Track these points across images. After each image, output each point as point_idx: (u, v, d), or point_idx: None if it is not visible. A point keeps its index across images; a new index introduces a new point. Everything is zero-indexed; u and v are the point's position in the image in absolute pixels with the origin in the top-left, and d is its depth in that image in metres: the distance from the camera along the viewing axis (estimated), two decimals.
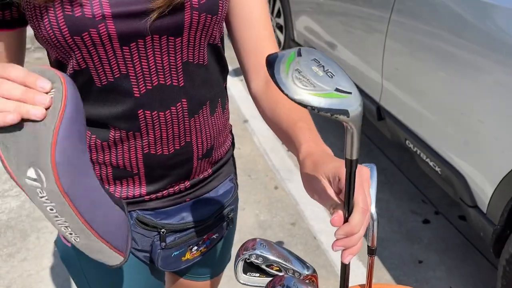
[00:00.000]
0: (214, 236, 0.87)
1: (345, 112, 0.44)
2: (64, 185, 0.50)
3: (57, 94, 0.49)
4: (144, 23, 0.62)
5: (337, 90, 0.44)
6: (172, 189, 0.78)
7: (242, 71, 0.80)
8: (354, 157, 0.49)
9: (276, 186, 2.39)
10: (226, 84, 0.83)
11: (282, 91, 0.43)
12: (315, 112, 0.44)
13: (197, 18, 0.65)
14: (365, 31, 2.20)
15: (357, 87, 1.81)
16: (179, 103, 0.71)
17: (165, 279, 0.98)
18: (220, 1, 0.67)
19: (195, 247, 0.84)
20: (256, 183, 2.41)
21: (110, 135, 0.70)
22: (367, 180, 0.55)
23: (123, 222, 0.63)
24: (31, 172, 0.49)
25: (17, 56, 0.70)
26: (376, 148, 2.67)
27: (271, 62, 0.45)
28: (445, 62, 1.65)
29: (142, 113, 0.69)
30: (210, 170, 0.83)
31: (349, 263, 0.56)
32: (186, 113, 0.72)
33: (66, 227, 0.53)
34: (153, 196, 0.78)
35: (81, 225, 0.54)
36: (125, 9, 0.61)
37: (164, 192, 0.78)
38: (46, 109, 0.49)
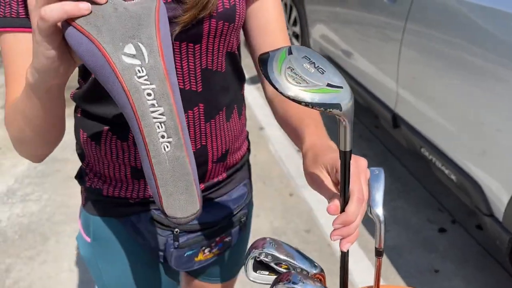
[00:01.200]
0: (227, 239, 0.89)
1: (337, 106, 0.46)
2: (166, 62, 0.45)
3: None
4: None
5: (328, 85, 0.46)
6: None
7: (258, 76, 0.83)
8: (348, 148, 0.51)
9: (291, 193, 2.41)
10: (243, 92, 0.86)
11: (276, 88, 0.45)
12: (310, 107, 0.46)
13: (215, 26, 0.68)
14: (380, 39, 2.21)
15: (372, 94, 1.82)
16: (196, 107, 0.74)
17: (179, 280, 1.00)
18: (237, 10, 0.70)
19: (208, 249, 0.87)
20: (271, 190, 2.43)
21: (129, 136, 0.74)
22: (364, 171, 0.57)
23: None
24: (129, 48, 0.44)
25: None
26: (391, 156, 2.66)
27: (264, 61, 0.47)
28: (461, 70, 1.65)
29: None
30: (225, 174, 0.85)
31: (348, 251, 0.58)
32: (203, 117, 0.75)
33: (160, 123, 0.45)
34: None
35: (175, 122, 0.45)
36: None
37: None
38: None
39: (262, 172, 2.55)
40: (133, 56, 0.44)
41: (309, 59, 0.47)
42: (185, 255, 0.84)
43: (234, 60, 0.78)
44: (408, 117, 2.03)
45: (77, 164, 0.88)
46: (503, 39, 1.45)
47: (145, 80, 0.44)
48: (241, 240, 0.98)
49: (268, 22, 0.77)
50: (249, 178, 0.94)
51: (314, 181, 0.60)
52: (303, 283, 0.53)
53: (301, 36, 3.36)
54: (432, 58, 1.81)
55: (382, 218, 0.69)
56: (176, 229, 0.80)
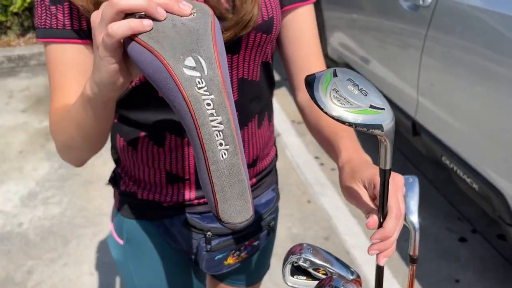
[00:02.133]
0: (256, 243, 0.90)
1: (379, 127, 0.49)
2: (223, 74, 0.47)
3: (201, 8, 0.50)
4: None
5: (371, 106, 0.49)
6: None
7: (290, 85, 0.84)
8: (388, 167, 0.54)
9: (309, 200, 2.41)
10: (272, 98, 0.87)
11: (322, 109, 0.48)
12: (353, 127, 0.49)
13: (253, 37, 0.70)
14: (400, 46, 2.21)
15: (391, 102, 1.83)
16: None
17: (205, 283, 1.02)
18: (274, 21, 0.72)
19: (237, 252, 0.87)
20: (289, 196, 2.43)
21: (166, 142, 0.75)
22: (401, 188, 0.59)
23: None
24: (189, 61, 0.46)
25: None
26: (410, 165, 2.64)
27: (310, 83, 0.50)
28: (482, 78, 1.64)
29: None
30: (255, 180, 0.86)
31: (383, 266, 0.60)
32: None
33: (219, 131, 0.46)
34: (201, 200, 0.82)
35: (232, 131, 0.47)
36: None
37: None
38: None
39: (279, 178, 2.55)
40: (193, 68, 0.46)
41: (353, 81, 0.50)
42: (216, 258, 0.85)
43: (268, 69, 0.80)
44: (429, 124, 2.02)
45: (96, 168, 0.91)
46: None
47: (204, 91, 0.46)
48: (267, 245, 0.99)
49: (302, 34, 0.78)
50: (276, 183, 0.95)
51: (351, 194, 0.61)
52: (345, 287, 0.53)
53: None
54: (453, 65, 1.80)
55: (417, 226, 0.70)
56: (209, 233, 0.82)
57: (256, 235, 0.89)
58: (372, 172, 0.59)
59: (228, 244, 0.85)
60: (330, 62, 3.17)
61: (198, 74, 0.46)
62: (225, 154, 0.46)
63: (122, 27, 0.46)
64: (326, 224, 2.23)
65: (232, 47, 0.70)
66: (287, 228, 2.22)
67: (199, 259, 0.85)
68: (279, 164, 0.98)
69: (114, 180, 0.87)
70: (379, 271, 0.61)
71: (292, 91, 0.85)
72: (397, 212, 0.56)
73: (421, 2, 1.96)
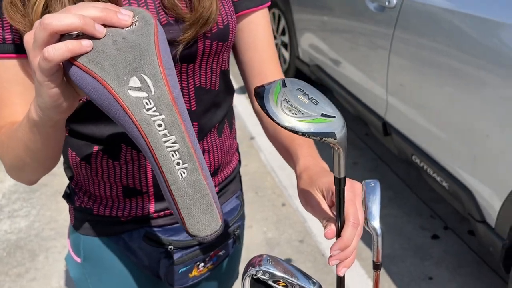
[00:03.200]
0: (221, 253, 0.88)
1: (332, 135, 0.48)
2: (172, 90, 0.45)
3: (143, 16, 0.46)
4: None
5: (323, 115, 0.48)
6: None
7: (247, 91, 0.82)
8: (342, 175, 0.53)
9: (284, 203, 2.39)
10: (232, 104, 0.85)
11: (274, 120, 0.47)
12: (306, 137, 0.47)
13: (210, 46, 0.68)
14: (369, 47, 2.23)
15: (362, 102, 1.83)
16: None
17: None
18: (230, 29, 0.70)
19: (202, 264, 0.85)
20: (263, 200, 2.42)
21: (121, 155, 0.72)
22: (359, 195, 0.58)
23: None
24: (134, 82, 0.44)
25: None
26: (383, 164, 2.67)
27: (260, 94, 0.48)
28: (450, 78, 1.66)
29: None
30: (217, 188, 0.84)
31: (344, 275, 0.59)
32: (196, 136, 0.74)
33: (175, 151, 0.45)
34: (161, 213, 0.79)
35: (188, 148, 0.46)
36: None
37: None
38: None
39: (254, 182, 2.54)
40: (139, 89, 0.44)
41: (303, 90, 0.49)
42: (180, 272, 0.82)
43: (225, 76, 0.78)
44: (399, 124, 2.04)
45: (65, 178, 0.86)
46: (490, 46, 1.46)
47: (154, 111, 0.44)
48: (234, 254, 0.97)
49: (257, 39, 0.77)
50: (241, 189, 0.93)
51: (308, 203, 0.60)
52: None
53: (290, 46, 3.37)
54: (421, 66, 1.82)
55: (379, 231, 0.69)
56: (170, 246, 0.79)
57: (221, 244, 0.87)
58: (330, 180, 0.58)
59: (192, 257, 0.82)
60: (302, 64, 3.18)
61: (145, 94, 0.44)
62: (184, 173, 0.46)
63: (59, 50, 0.42)
64: (300, 227, 2.22)
65: (188, 56, 0.67)
66: (263, 233, 2.20)
67: (162, 274, 0.82)
68: (254, 168, 0.96)
69: (67, 196, 0.83)
70: (340, 281, 0.59)
71: (249, 97, 0.83)
72: (355, 220, 0.55)
73: (386, 3, 1.98)
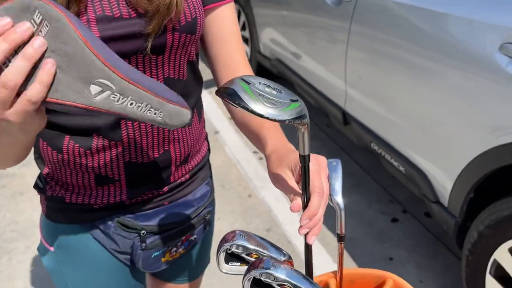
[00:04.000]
0: (192, 238, 0.91)
1: (305, 116, 0.53)
2: (125, 74, 0.49)
3: (46, 10, 0.44)
4: (130, 45, 0.67)
5: (291, 100, 0.52)
6: (151, 194, 0.82)
7: (215, 82, 0.85)
8: (306, 152, 0.58)
9: (250, 194, 2.44)
10: (201, 95, 0.88)
11: (262, 116, 0.49)
12: (287, 123, 0.50)
13: (178, 38, 0.71)
14: (327, 41, 2.30)
15: (322, 94, 1.90)
16: None
17: (145, 283, 1.01)
18: (198, 22, 0.73)
19: (174, 248, 0.88)
20: (230, 193, 2.45)
21: (93, 144, 0.74)
22: (324, 169, 0.63)
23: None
24: (94, 89, 0.48)
25: None
26: (344, 153, 2.76)
27: (233, 97, 0.49)
28: (404, 69, 1.75)
29: (125, 124, 0.73)
30: (188, 176, 0.87)
31: (312, 244, 0.65)
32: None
33: (149, 109, 0.51)
34: (134, 200, 0.81)
35: (154, 99, 0.51)
36: (113, 32, 0.65)
37: (144, 196, 0.82)
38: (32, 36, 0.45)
39: (219, 175, 2.57)
40: (101, 92, 0.48)
41: (265, 83, 0.52)
42: (152, 256, 0.85)
43: (193, 67, 0.81)
44: (358, 114, 2.13)
45: (26, 178, 0.87)
46: (441, 38, 1.56)
47: (122, 99, 0.50)
48: (204, 240, 1.00)
49: (224, 32, 0.80)
50: (211, 176, 0.96)
51: (278, 180, 0.65)
52: (275, 267, 0.56)
53: (251, 40, 3.41)
54: (377, 58, 1.91)
55: (342, 205, 0.74)
56: (143, 231, 0.81)
57: (192, 229, 0.90)
58: (296, 157, 0.63)
59: (165, 241, 0.85)
60: (263, 58, 3.23)
61: (109, 92, 0.48)
62: (161, 114, 0.52)
63: (40, 88, 0.45)
64: (267, 216, 2.28)
65: (158, 48, 0.70)
66: (230, 224, 2.24)
67: (135, 259, 0.84)
68: (219, 162, 0.99)
69: (38, 186, 0.84)
70: (308, 250, 0.64)
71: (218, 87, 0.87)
72: (320, 190, 0.60)
73: None
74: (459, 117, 1.52)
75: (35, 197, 2.43)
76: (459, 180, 1.57)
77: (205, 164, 0.94)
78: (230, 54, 0.81)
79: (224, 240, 0.66)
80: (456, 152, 1.56)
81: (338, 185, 0.75)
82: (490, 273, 1.51)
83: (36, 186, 0.85)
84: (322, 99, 2.41)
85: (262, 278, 0.55)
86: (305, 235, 0.62)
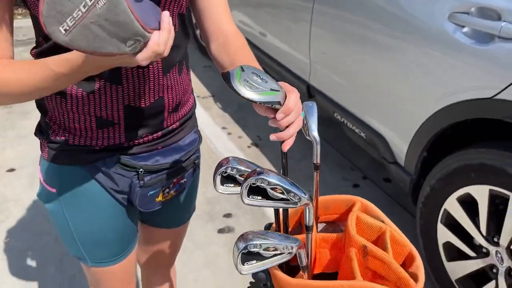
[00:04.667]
0: (183, 181, 1.01)
1: (279, 103, 0.71)
2: (154, 28, 0.61)
3: None
4: None
5: (271, 89, 0.70)
6: (147, 137, 0.91)
7: (203, 37, 0.95)
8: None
9: None
10: (187, 48, 0.98)
11: (239, 95, 0.68)
12: (261, 105, 0.70)
13: None
14: (292, 20, 2.43)
15: (288, 69, 2.06)
16: (156, 62, 0.84)
17: (138, 227, 1.10)
18: None
19: (167, 190, 0.98)
20: (201, 164, 2.54)
21: (95, 87, 0.82)
22: (295, 91, 0.76)
23: None
24: (130, 43, 0.59)
25: (13, 24, 0.79)
26: None
27: (228, 79, 0.69)
28: (364, 44, 1.90)
29: (125, 69, 0.82)
30: (178, 123, 0.97)
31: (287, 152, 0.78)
32: (161, 71, 0.86)
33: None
34: (131, 143, 0.90)
35: None
36: None
37: (140, 140, 0.91)
38: None
39: None
40: (133, 44, 0.60)
41: (256, 73, 0.71)
42: (148, 194, 0.94)
43: (183, 20, 0.90)
44: (321, 87, 2.27)
45: None
46: (399, 15, 1.71)
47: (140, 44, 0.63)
48: (192, 184, 1.10)
49: None
50: (197, 126, 1.06)
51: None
52: (268, 174, 0.67)
53: None
54: (338, 34, 2.05)
55: (318, 139, 0.86)
56: (141, 170, 0.90)
57: (183, 172, 1.00)
58: (284, 83, 0.76)
59: (159, 180, 0.94)
60: None
61: (138, 43, 0.60)
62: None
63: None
64: None
65: (153, 1, 0.79)
66: (202, 193, 2.34)
67: (133, 197, 0.93)
68: None
69: (40, 131, 0.91)
70: (284, 156, 0.78)
71: (205, 43, 0.96)
72: (295, 98, 0.73)
73: None
74: (413, 85, 1.69)
75: (4, 174, 2.43)
76: (413, 141, 1.75)
77: (193, 115, 1.04)
78: (218, 10, 0.92)
79: (219, 165, 0.77)
80: (411, 116, 1.73)
81: (313, 123, 0.88)
82: (441, 221, 1.70)
83: (38, 133, 0.92)
84: (288, 75, 2.53)
85: (258, 183, 0.66)
86: (281, 145, 0.74)
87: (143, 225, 1.15)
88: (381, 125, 1.91)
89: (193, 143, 1.01)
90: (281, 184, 0.66)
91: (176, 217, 1.14)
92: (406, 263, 0.84)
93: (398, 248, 0.84)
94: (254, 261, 0.70)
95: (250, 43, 3.00)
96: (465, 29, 1.46)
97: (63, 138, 0.88)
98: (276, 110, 0.73)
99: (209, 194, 2.34)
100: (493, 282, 1.54)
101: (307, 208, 0.72)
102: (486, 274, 1.58)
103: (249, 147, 2.70)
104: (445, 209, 1.67)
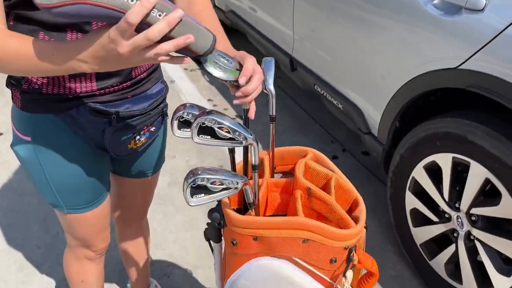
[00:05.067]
0: (152, 129, 1.07)
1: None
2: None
3: None
4: None
5: (236, 69, 0.77)
6: (117, 87, 0.96)
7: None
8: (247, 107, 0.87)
9: None
10: None
11: (212, 75, 0.75)
12: (230, 83, 0.78)
13: None
14: None
15: (273, 42, 2.10)
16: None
17: (109, 176, 1.16)
18: None
19: (138, 137, 1.03)
20: None
21: (67, 38, 0.86)
22: (259, 71, 0.82)
23: None
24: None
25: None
26: (291, 101, 2.96)
27: (201, 63, 0.74)
28: (344, 18, 1.94)
29: (95, 22, 0.86)
30: (145, 74, 1.02)
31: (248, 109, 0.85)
32: None
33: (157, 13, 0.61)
34: (103, 91, 0.95)
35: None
36: None
37: (111, 89, 0.96)
38: None
39: None
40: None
41: (221, 55, 0.77)
42: (121, 140, 1.00)
43: None
44: (303, 59, 2.32)
45: None
46: None
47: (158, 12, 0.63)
48: (160, 137, 1.16)
49: None
50: (163, 77, 1.12)
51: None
52: (217, 112, 0.73)
53: None
54: (321, 9, 2.09)
55: (273, 92, 0.92)
56: (113, 115, 0.96)
57: (152, 120, 1.06)
58: (242, 52, 0.82)
59: (130, 126, 1.00)
60: (218, 10, 3.33)
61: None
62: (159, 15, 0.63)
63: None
64: (221, 155, 2.45)
65: None
66: (186, 161, 2.40)
67: (106, 142, 0.98)
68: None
69: (12, 82, 0.94)
70: (245, 113, 0.83)
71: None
72: (254, 63, 0.78)
73: None
74: (386, 56, 1.74)
75: None
76: (386, 111, 1.81)
77: (158, 67, 1.09)
78: None
79: (176, 110, 0.82)
80: (384, 87, 1.79)
81: (270, 77, 0.93)
82: (409, 189, 1.77)
83: (9, 83, 0.96)
84: (272, 47, 2.58)
85: (207, 123, 0.72)
86: (247, 112, 0.82)
87: (115, 176, 1.21)
88: (357, 96, 1.97)
89: (160, 92, 1.07)
90: (227, 123, 0.72)
91: (146, 166, 1.19)
92: (352, 208, 0.91)
93: (345, 195, 0.90)
94: (202, 195, 0.76)
95: (235, 15, 3.02)
96: (435, 1, 1.51)
97: (36, 87, 0.91)
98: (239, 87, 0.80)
99: (192, 162, 2.40)
100: (453, 246, 1.63)
101: (251, 147, 0.77)
102: (448, 238, 1.66)
103: (233, 119, 2.75)
104: (413, 177, 1.74)
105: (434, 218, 1.68)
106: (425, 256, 1.76)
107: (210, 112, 0.73)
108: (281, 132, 2.65)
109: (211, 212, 0.87)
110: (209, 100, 2.92)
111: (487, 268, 1.52)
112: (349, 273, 0.86)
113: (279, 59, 2.53)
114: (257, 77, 0.80)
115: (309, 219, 0.79)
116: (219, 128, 0.73)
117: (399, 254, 1.92)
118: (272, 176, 0.97)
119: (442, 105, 1.76)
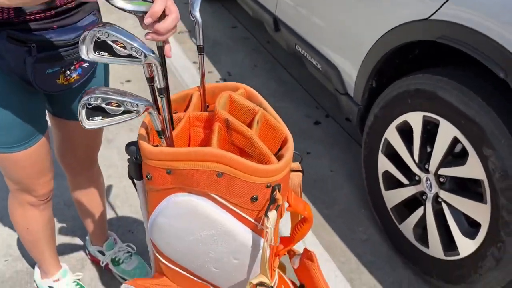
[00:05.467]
0: (85, 65, 1.01)
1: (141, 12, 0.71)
2: None
3: None
4: None
5: (143, 0, 0.69)
6: (39, 15, 0.91)
7: None
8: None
9: None
10: None
11: (111, 3, 0.66)
12: (132, 13, 0.70)
13: None
14: None
15: (258, 3, 2.02)
16: None
17: (46, 119, 1.11)
18: None
19: (68, 72, 0.98)
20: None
21: None
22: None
23: None
24: None
25: None
26: (279, 65, 2.88)
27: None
28: None
29: None
30: (73, 3, 0.95)
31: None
32: None
33: None
34: (22, 19, 0.89)
35: None
36: None
37: (32, 16, 0.90)
38: None
39: None
40: None
41: None
42: (46, 73, 0.94)
43: None
44: (286, 19, 2.23)
45: None
46: None
47: None
48: (99, 76, 1.11)
49: None
50: (98, 10, 1.05)
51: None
52: (113, 25, 0.67)
53: None
54: None
55: (200, 20, 0.86)
56: (33, 44, 0.90)
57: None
58: None
59: (56, 59, 0.94)
60: None
61: None
62: None
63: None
64: None
65: None
66: None
67: (29, 74, 0.93)
68: None
69: None
70: (161, 51, 0.77)
71: None
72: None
73: None
74: (359, 12, 1.65)
75: None
76: (360, 70, 1.73)
77: None
78: None
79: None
80: (358, 45, 1.71)
81: (197, 3, 0.87)
82: (381, 151, 1.71)
83: None
84: (257, 7, 2.49)
85: (99, 35, 0.66)
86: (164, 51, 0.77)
87: (55, 118, 1.17)
88: (334, 54, 1.89)
89: (91, 24, 1.00)
90: (120, 35, 0.67)
91: None
92: (282, 147, 0.86)
93: (273, 133, 0.85)
94: (100, 117, 0.71)
95: None
96: None
97: None
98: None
99: None
100: (421, 209, 1.57)
101: (155, 67, 0.72)
102: (418, 201, 1.60)
103: (217, 81, 2.69)
104: (385, 139, 1.67)
105: (404, 180, 1.62)
106: (395, 220, 1.70)
107: (105, 25, 0.67)
108: (267, 96, 2.57)
109: (128, 146, 0.83)
110: (194, 62, 2.86)
111: (452, 231, 1.46)
112: (272, 214, 0.81)
113: (264, 19, 2.45)
114: (172, 17, 0.73)
115: (222, 150, 0.73)
116: (113, 42, 0.67)
117: (371, 218, 1.87)
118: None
119: (424, 64, 1.68)
